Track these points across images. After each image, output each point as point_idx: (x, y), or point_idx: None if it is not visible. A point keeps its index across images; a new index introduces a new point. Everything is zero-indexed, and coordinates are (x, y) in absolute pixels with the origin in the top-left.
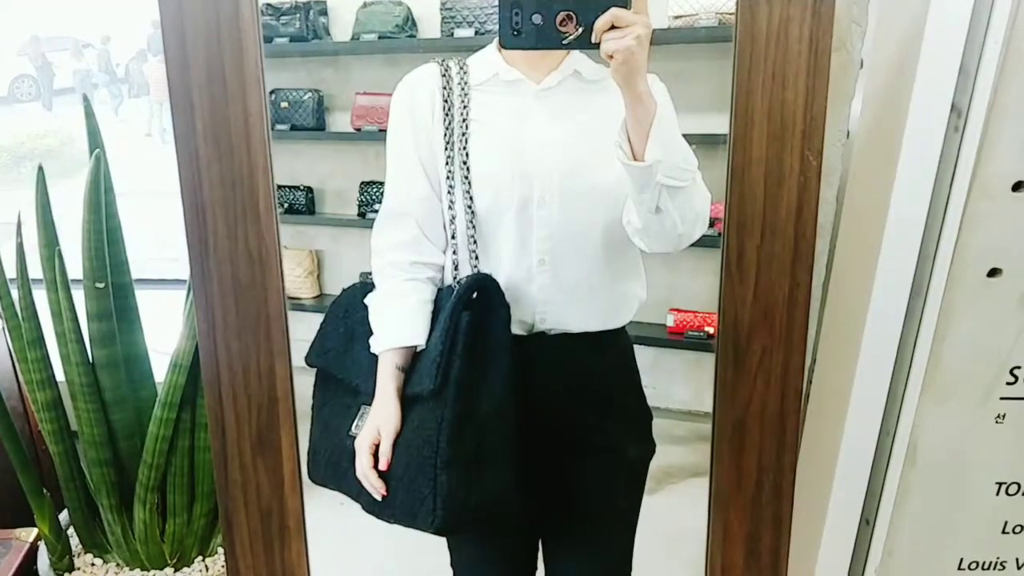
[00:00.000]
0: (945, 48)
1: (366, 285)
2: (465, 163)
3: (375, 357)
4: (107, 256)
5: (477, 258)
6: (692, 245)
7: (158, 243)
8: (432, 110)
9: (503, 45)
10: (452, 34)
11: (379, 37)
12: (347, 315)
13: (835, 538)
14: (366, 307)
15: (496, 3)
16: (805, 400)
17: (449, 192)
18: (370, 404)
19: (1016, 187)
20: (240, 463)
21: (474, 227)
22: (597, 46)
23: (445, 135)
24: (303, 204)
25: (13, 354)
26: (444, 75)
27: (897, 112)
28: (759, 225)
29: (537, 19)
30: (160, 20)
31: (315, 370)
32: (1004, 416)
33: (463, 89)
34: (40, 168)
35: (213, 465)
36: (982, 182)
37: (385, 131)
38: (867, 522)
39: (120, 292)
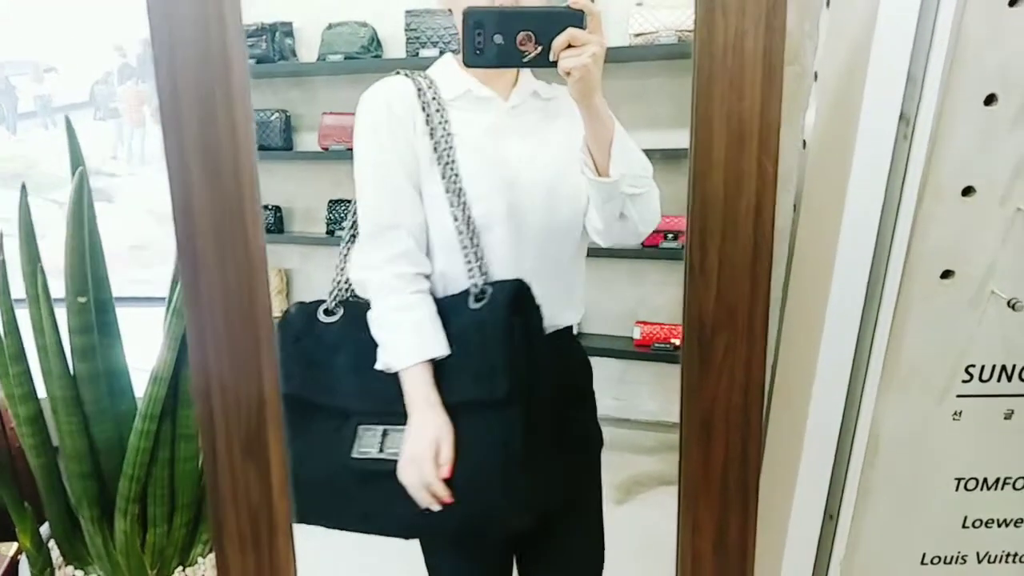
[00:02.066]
0: (892, 58)
1: (304, 306)
2: (456, 176)
3: (369, 375)
4: (88, 271)
5: (480, 266)
6: (657, 258)
7: (130, 262)
8: (413, 123)
9: (466, 63)
10: (417, 54)
11: (345, 57)
12: (300, 340)
13: (800, 532)
14: (317, 332)
15: (459, 24)
16: (769, 398)
17: (438, 204)
18: (369, 423)
19: (965, 192)
20: (230, 465)
21: (472, 237)
22: (555, 64)
23: (434, 149)
24: (272, 223)
25: None
26: (419, 89)
27: (848, 121)
28: (720, 227)
29: (499, 39)
30: (151, 41)
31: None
32: (961, 413)
33: (438, 104)
34: (23, 187)
35: (205, 470)
36: (933, 187)
37: (352, 150)
38: (831, 517)
39: (100, 307)
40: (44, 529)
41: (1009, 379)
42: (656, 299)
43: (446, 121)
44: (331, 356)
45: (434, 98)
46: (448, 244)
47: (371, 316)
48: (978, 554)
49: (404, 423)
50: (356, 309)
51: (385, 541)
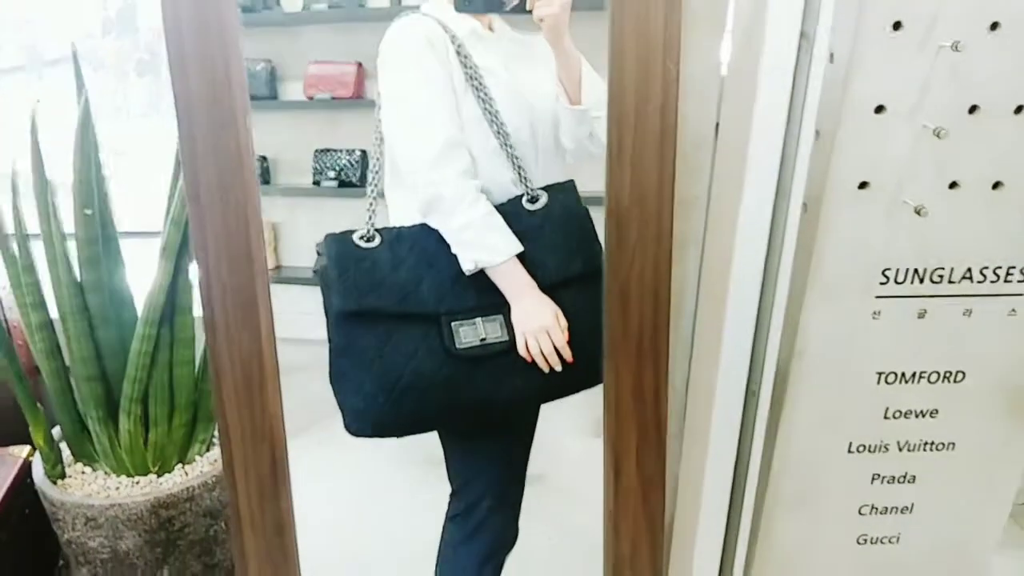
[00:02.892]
0: None
1: (338, 238)
2: (491, 99)
3: (445, 279)
4: (95, 187)
5: (525, 177)
6: None
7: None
8: (447, 54)
9: (457, 9)
10: (401, 2)
11: (329, 6)
12: (361, 261)
13: (723, 411)
14: (370, 254)
15: None
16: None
17: (476, 126)
18: (462, 319)
19: (878, 110)
20: (226, 328)
21: (513, 152)
22: (530, 12)
23: (465, 77)
24: (259, 174)
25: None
26: (443, 26)
27: (757, 40)
28: (632, 120)
29: None
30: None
31: (333, 325)
32: (880, 312)
33: (456, 40)
34: (33, 116)
35: (205, 331)
36: (849, 105)
37: (338, 99)
38: (752, 392)
39: (104, 221)
40: (55, 432)
41: (921, 281)
42: None
43: (467, 54)
44: (395, 271)
45: (452, 36)
46: (491, 160)
47: (453, 225)
48: (898, 443)
49: (493, 314)
50: (392, 234)
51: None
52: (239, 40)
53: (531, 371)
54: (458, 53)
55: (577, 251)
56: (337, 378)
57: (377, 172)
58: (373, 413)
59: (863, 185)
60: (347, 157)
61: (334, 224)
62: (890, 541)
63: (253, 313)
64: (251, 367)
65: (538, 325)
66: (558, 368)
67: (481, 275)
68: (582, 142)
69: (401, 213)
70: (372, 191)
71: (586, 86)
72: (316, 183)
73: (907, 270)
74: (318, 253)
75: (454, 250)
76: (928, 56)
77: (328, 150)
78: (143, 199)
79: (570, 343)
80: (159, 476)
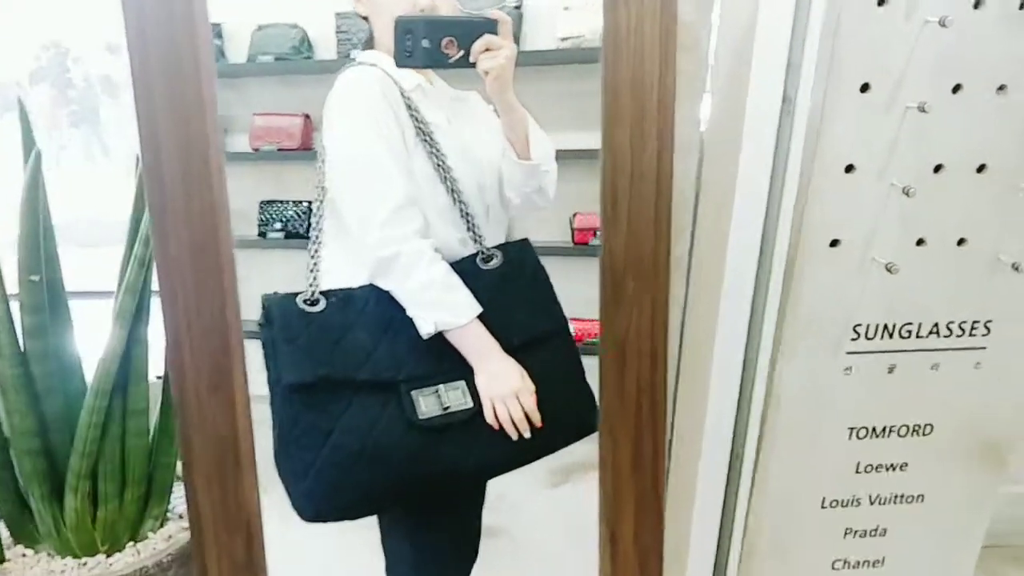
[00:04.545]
0: (774, 44)
1: (282, 300)
2: (441, 154)
3: (402, 345)
4: (42, 250)
5: (477, 234)
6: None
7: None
8: (399, 110)
9: (398, 64)
10: (348, 55)
11: (275, 59)
12: (309, 326)
13: (709, 471)
14: (315, 320)
15: (383, 30)
16: (679, 352)
17: (428, 182)
18: (422, 386)
19: (848, 169)
20: (197, 398)
21: (464, 209)
22: (474, 65)
23: (416, 132)
24: None
25: None
26: (393, 79)
27: (738, 103)
28: (628, 180)
29: (426, 43)
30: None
31: (284, 397)
32: (851, 368)
33: (405, 95)
34: None
35: (175, 410)
36: (820, 165)
37: (284, 151)
38: (737, 455)
39: (52, 287)
40: None
41: (891, 336)
42: (586, 294)
43: (417, 108)
44: (348, 337)
45: (401, 88)
46: (441, 219)
47: (411, 286)
48: (870, 496)
49: (455, 379)
50: (337, 296)
51: None
52: (214, 84)
53: (498, 438)
54: (408, 107)
55: (539, 310)
56: (286, 457)
57: (319, 230)
58: (329, 495)
59: (834, 243)
60: (294, 208)
61: (282, 275)
62: None
63: (227, 384)
64: (225, 445)
65: (507, 389)
66: (527, 434)
67: (439, 338)
68: (529, 196)
69: (345, 272)
70: (314, 249)
71: (534, 140)
72: (262, 235)
73: (877, 326)
74: (264, 307)
75: (411, 312)
76: (895, 117)
77: (274, 201)
78: (91, 256)
79: (541, 405)
80: (108, 556)
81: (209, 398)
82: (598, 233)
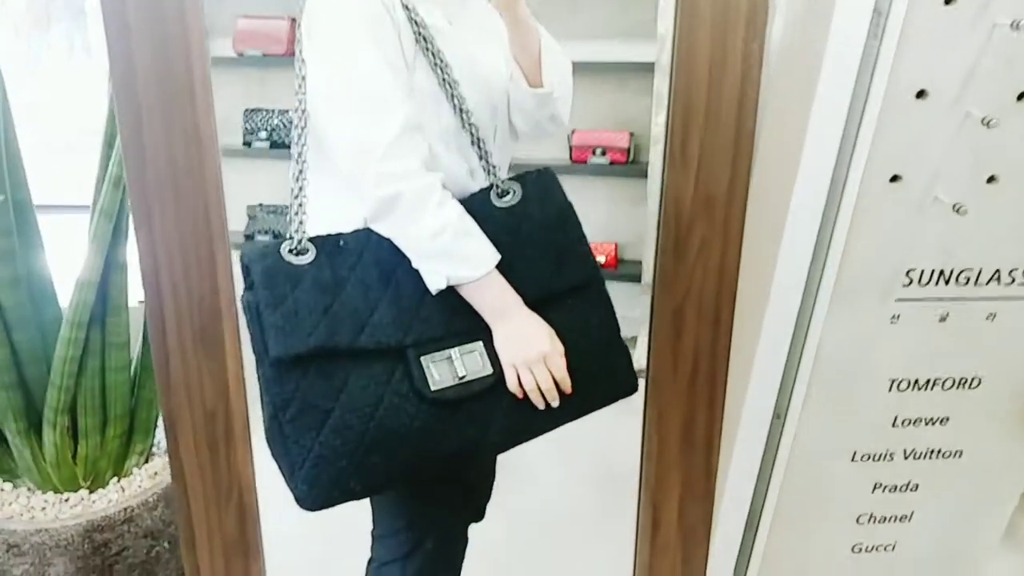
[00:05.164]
0: None
1: (263, 252)
2: (446, 66)
3: (408, 301)
4: (5, 169)
5: (490, 163)
6: (587, 174)
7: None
8: (394, 12)
9: None
10: None
11: None
12: (298, 286)
13: (749, 432)
14: (307, 275)
15: None
16: None
17: (432, 100)
18: (434, 350)
19: (920, 94)
20: (182, 360)
21: (474, 131)
22: None
23: (416, 38)
24: None
25: None
26: None
27: (818, 19)
28: (702, 115)
29: None
30: None
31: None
32: (899, 317)
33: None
34: None
35: (154, 364)
36: (892, 88)
37: (269, 56)
38: (778, 416)
39: (19, 208)
40: None
41: (947, 283)
42: (583, 216)
43: (413, 7)
44: (341, 294)
45: None
46: (446, 146)
47: (418, 232)
48: (905, 451)
49: (470, 340)
50: (329, 244)
51: None
52: None
53: (522, 407)
54: (404, 7)
55: (565, 256)
56: (279, 440)
57: (303, 161)
58: (331, 483)
59: (895, 178)
60: (279, 117)
61: (267, 185)
62: (885, 549)
63: (218, 344)
64: (216, 413)
65: (533, 352)
66: (555, 403)
67: (451, 291)
68: (540, 124)
69: (334, 212)
70: (298, 187)
71: (547, 63)
72: (247, 144)
73: (932, 271)
74: (250, 217)
75: (416, 264)
76: (981, 35)
77: (259, 109)
78: (64, 162)
79: (570, 365)
80: (91, 492)
81: (195, 353)
82: (596, 151)
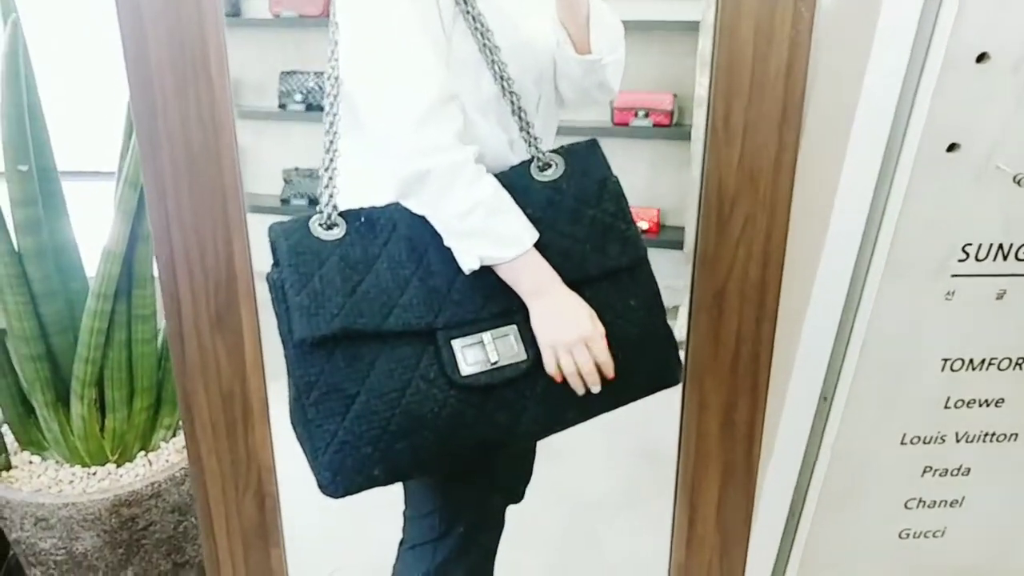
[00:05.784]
0: None
1: (291, 227)
2: (488, 31)
3: (441, 281)
4: (29, 136)
5: (532, 134)
6: (628, 136)
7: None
8: None
9: None
10: None
11: None
12: (324, 264)
13: (795, 413)
14: (335, 251)
15: None
16: None
17: (471, 67)
18: (466, 334)
19: (980, 58)
20: (198, 343)
21: (516, 101)
22: None
23: (457, 3)
24: None
25: None
26: None
27: None
28: (747, 84)
29: None
30: None
31: (299, 350)
32: (953, 293)
33: None
34: None
35: (169, 346)
36: (950, 53)
37: (305, 17)
38: (825, 399)
39: (44, 176)
40: None
41: (1005, 258)
42: (625, 180)
43: None
44: (371, 273)
45: None
46: (485, 116)
47: (450, 210)
48: (956, 434)
49: (504, 324)
50: (360, 219)
51: None
52: None
53: (558, 394)
54: None
55: (609, 236)
56: (302, 423)
57: (334, 132)
58: (355, 470)
59: (952, 147)
60: (315, 80)
61: (303, 149)
62: (934, 535)
63: (235, 325)
64: (232, 395)
65: (573, 335)
66: (596, 389)
67: (484, 272)
68: (588, 91)
69: (366, 185)
70: (329, 158)
71: (595, 26)
72: (282, 106)
73: (990, 245)
74: (285, 181)
75: (449, 242)
76: None
77: (295, 72)
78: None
79: (610, 352)
80: (119, 466)
81: (211, 335)
82: (639, 113)
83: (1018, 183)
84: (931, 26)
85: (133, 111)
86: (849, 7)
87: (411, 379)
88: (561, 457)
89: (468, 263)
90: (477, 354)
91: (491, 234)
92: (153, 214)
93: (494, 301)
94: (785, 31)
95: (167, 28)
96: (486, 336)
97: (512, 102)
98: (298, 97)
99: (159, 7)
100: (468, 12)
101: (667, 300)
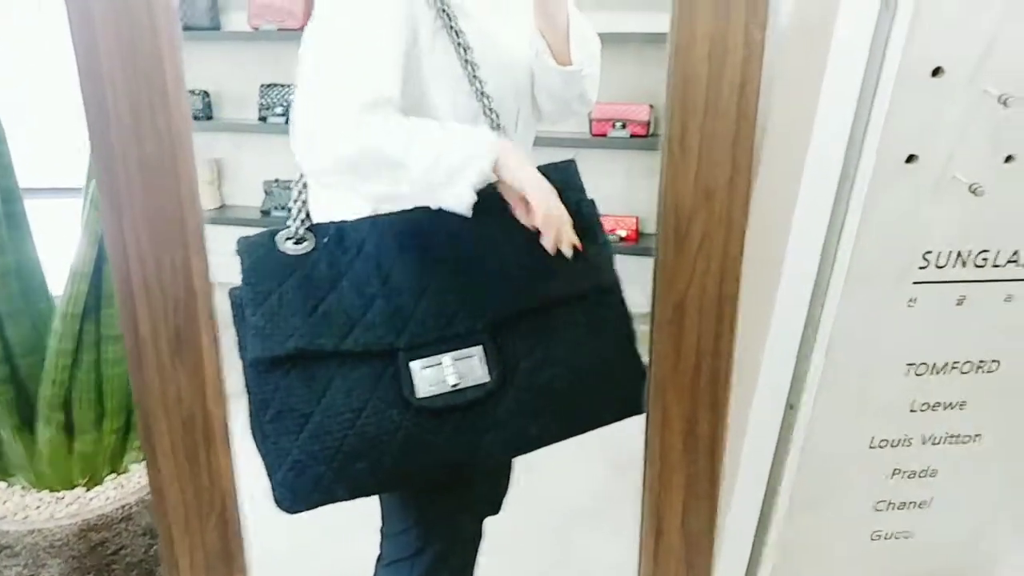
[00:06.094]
0: None
1: (258, 241)
2: (468, 48)
3: (404, 297)
4: None
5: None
6: (606, 147)
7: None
8: None
9: None
10: None
11: None
12: (290, 278)
13: (761, 420)
14: (302, 266)
15: None
16: None
17: (449, 80)
18: (426, 355)
19: (935, 72)
20: (157, 363)
21: (494, 115)
22: None
23: (438, 14)
24: (200, 109)
25: None
26: None
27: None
28: (702, 103)
29: None
30: None
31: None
32: (915, 300)
33: None
34: None
35: (129, 370)
36: (905, 66)
37: (285, 30)
38: (791, 407)
39: (7, 196)
40: None
41: (964, 265)
42: (604, 189)
43: None
44: (335, 290)
45: None
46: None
47: (421, 168)
48: (923, 436)
49: (468, 346)
50: (331, 234)
51: None
52: None
53: (518, 419)
54: None
55: (578, 259)
56: (259, 439)
57: None
58: (310, 487)
59: (911, 158)
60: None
61: (284, 161)
62: (904, 536)
63: (195, 347)
64: (193, 420)
65: (564, 216)
66: (569, 253)
67: (448, 292)
68: (567, 103)
69: (338, 199)
70: (299, 172)
71: (575, 37)
72: (263, 119)
73: (949, 253)
74: (266, 193)
75: (434, 199)
76: (996, 11)
77: (275, 85)
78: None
79: (573, 380)
80: (88, 490)
81: (171, 358)
82: (617, 124)
83: (975, 192)
84: (884, 42)
85: (87, 125)
86: (805, 24)
87: (368, 400)
88: (534, 467)
89: (467, 200)
90: (435, 376)
91: (472, 155)
92: (108, 231)
93: (459, 321)
94: (738, 50)
95: (118, 40)
96: (446, 358)
97: (491, 119)
98: (279, 110)
99: (111, 17)
100: (451, 28)
101: (645, 306)
